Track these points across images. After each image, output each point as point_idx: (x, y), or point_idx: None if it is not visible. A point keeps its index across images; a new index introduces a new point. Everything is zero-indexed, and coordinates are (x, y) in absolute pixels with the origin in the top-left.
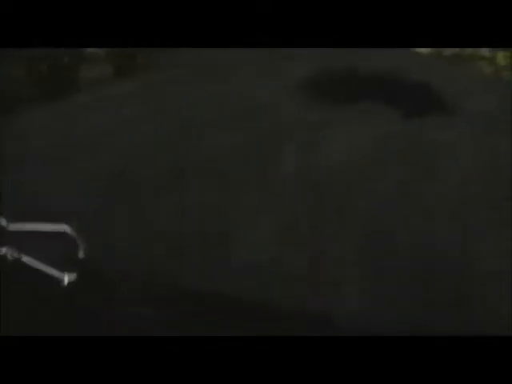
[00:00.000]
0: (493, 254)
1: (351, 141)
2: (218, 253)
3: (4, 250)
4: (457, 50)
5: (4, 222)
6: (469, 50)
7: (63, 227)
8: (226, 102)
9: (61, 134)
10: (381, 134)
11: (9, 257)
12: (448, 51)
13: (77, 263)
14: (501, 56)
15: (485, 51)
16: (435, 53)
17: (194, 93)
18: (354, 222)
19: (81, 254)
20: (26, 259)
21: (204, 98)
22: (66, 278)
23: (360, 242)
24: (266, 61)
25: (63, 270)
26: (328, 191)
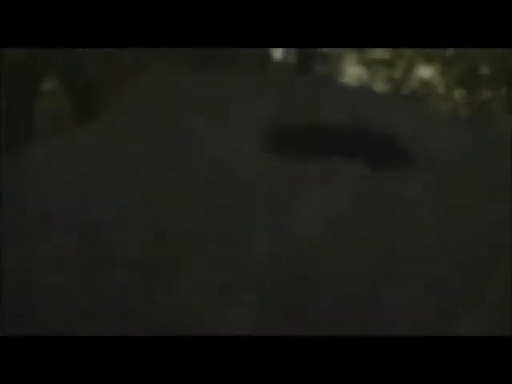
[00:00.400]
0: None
1: (319, 201)
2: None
3: None
4: (415, 87)
5: None
6: (424, 89)
7: None
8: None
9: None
10: (349, 189)
11: None
12: (405, 89)
13: None
14: (457, 93)
15: (441, 88)
16: (393, 91)
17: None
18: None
19: None
20: None
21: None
22: None
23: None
24: (221, 113)
25: None
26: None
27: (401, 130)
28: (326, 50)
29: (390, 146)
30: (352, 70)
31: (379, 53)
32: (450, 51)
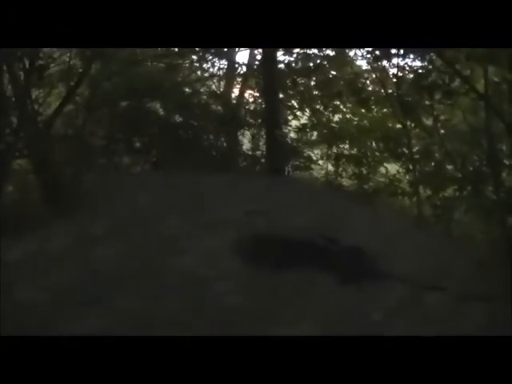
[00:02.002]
0: None
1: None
2: None
3: None
4: (379, 184)
5: None
6: (390, 187)
7: None
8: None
9: None
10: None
11: None
12: (369, 186)
13: None
14: (422, 190)
15: (405, 185)
16: (358, 187)
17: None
18: None
19: None
20: None
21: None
22: None
23: None
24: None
25: None
26: None
27: (369, 241)
28: (294, 144)
29: (359, 258)
30: (320, 165)
31: (346, 148)
32: (419, 149)
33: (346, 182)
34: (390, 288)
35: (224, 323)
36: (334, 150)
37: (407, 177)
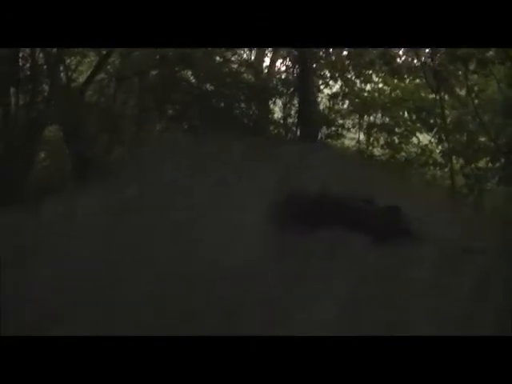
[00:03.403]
0: None
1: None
2: None
3: None
4: (410, 155)
5: None
6: (422, 157)
7: None
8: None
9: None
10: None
11: None
12: (401, 156)
13: None
14: (454, 161)
15: (437, 156)
16: (389, 157)
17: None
18: None
19: None
20: None
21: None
22: None
23: None
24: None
25: None
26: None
27: (401, 203)
28: (326, 113)
29: (394, 218)
30: (352, 134)
31: (378, 118)
32: (452, 119)
33: (377, 151)
34: (425, 249)
35: (254, 280)
36: (366, 119)
37: (439, 147)
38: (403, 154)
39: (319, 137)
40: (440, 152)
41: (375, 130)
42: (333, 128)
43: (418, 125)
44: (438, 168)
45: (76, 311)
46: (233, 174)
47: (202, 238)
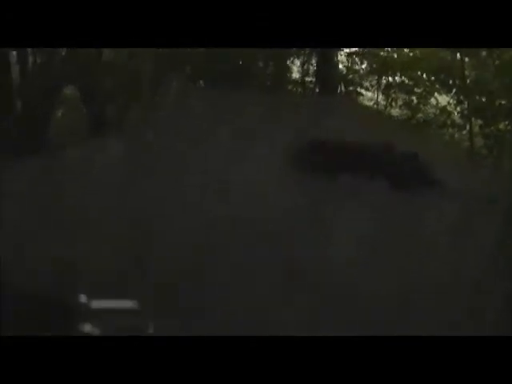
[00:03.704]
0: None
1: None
2: None
3: (88, 328)
4: (429, 115)
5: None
6: (440, 118)
7: (132, 304)
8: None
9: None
10: (372, 207)
11: (91, 333)
12: (419, 117)
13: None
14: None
15: (456, 117)
16: (408, 118)
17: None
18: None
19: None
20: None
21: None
22: None
23: None
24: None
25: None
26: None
27: (421, 152)
28: (344, 73)
29: (414, 167)
30: (369, 94)
31: (397, 78)
32: (471, 80)
33: (395, 112)
34: (442, 198)
35: (279, 222)
36: (385, 79)
37: (458, 108)
38: (421, 115)
39: (337, 96)
40: (459, 113)
41: (394, 90)
42: (351, 88)
43: (437, 86)
44: (456, 129)
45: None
46: (253, 127)
47: (227, 187)
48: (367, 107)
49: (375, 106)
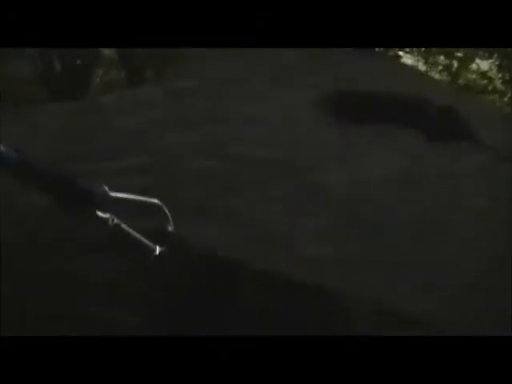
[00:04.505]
0: None
1: (374, 164)
2: None
3: (107, 215)
4: (470, 81)
5: (106, 189)
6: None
7: (155, 201)
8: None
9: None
10: (403, 157)
11: (110, 222)
12: (459, 82)
13: (166, 237)
14: None
15: (496, 82)
16: (448, 82)
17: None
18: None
19: (170, 228)
20: (124, 226)
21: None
22: (158, 249)
23: None
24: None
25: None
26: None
27: (464, 114)
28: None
29: (449, 118)
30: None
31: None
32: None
33: (435, 76)
34: (476, 153)
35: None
36: None
37: (500, 74)
38: (461, 80)
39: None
40: (500, 79)
41: (434, 53)
42: (390, 52)
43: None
44: (497, 95)
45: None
46: (287, 75)
47: (253, 130)
48: (407, 68)
49: (415, 68)
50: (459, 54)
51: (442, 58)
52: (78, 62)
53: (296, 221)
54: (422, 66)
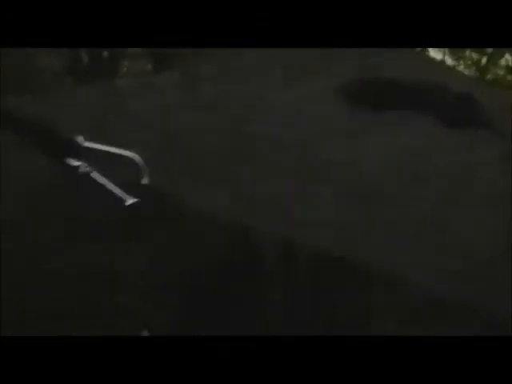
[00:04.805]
0: None
1: (388, 149)
2: None
3: (78, 162)
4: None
5: (81, 139)
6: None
7: (131, 154)
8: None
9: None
10: (419, 143)
11: (80, 170)
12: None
13: (140, 189)
14: None
15: None
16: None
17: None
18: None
19: (144, 181)
20: (95, 175)
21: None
22: (130, 200)
23: None
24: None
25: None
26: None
27: (482, 102)
28: None
29: (467, 104)
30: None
31: None
32: None
33: (463, 71)
34: (495, 137)
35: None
36: None
37: None
38: (490, 75)
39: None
40: None
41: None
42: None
43: None
44: None
45: None
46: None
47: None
48: (434, 62)
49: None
50: (488, 50)
51: (470, 52)
52: (105, 54)
53: (304, 192)
54: (449, 61)
